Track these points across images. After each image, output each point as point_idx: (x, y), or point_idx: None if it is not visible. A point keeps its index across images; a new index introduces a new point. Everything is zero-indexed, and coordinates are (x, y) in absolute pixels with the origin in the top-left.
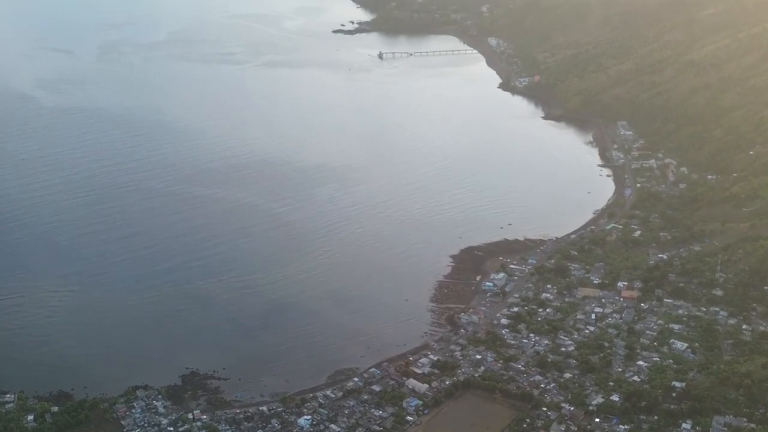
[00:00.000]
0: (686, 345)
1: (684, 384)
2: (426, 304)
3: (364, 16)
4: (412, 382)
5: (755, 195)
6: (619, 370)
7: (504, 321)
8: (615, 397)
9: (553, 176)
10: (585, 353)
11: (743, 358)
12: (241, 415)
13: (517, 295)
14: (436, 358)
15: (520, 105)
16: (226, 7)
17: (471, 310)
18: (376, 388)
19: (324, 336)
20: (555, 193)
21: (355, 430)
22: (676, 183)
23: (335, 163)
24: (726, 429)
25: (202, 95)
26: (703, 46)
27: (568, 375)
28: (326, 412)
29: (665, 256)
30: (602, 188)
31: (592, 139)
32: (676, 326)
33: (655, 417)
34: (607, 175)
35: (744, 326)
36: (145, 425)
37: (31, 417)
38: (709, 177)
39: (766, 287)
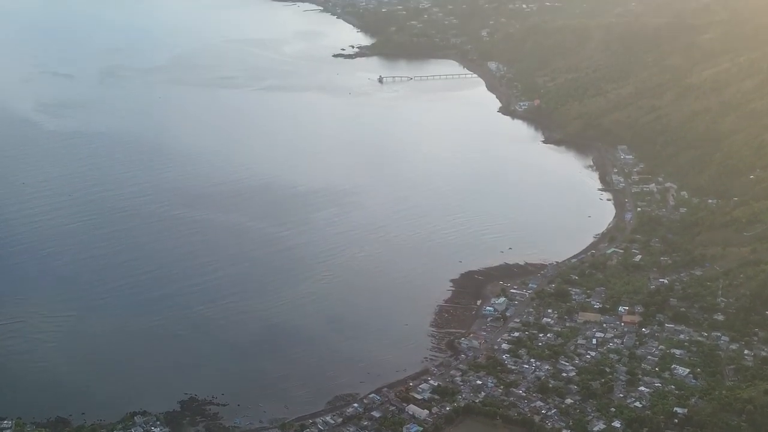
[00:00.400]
0: (688, 370)
1: (686, 410)
2: (426, 329)
3: (364, 40)
4: (412, 408)
5: (756, 219)
6: (621, 395)
7: (505, 346)
8: (617, 423)
9: (554, 200)
10: (586, 379)
11: (745, 383)
12: None
13: (517, 320)
14: (436, 384)
15: (520, 129)
16: (226, 32)
17: (471, 335)
18: (376, 414)
19: (323, 361)
20: (555, 217)
21: None
22: (677, 207)
23: (335, 187)
24: None
25: (202, 119)
26: (702, 71)
27: (569, 401)
28: None
29: (666, 281)
30: (603, 212)
31: (592, 163)
32: (677, 351)
33: None
34: (608, 199)
35: (746, 351)
36: None
37: None
38: (710, 201)
39: (767, 312)
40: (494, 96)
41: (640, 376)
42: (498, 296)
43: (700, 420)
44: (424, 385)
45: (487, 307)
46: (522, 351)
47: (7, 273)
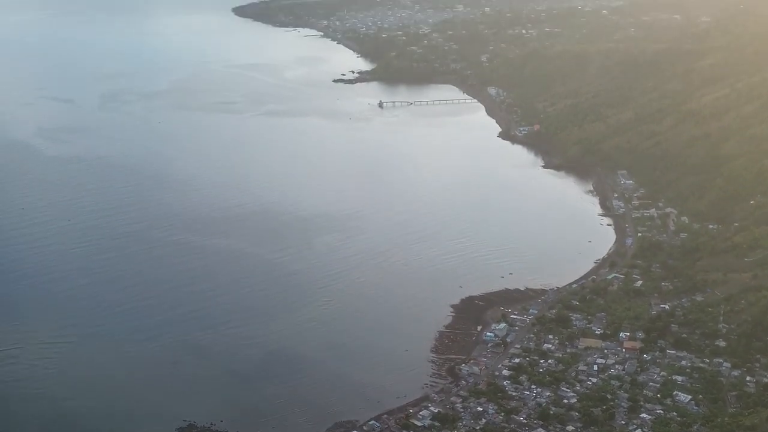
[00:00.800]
0: (690, 397)
1: None
2: (426, 355)
3: (364, 65)
4: None
5: (757, 245)
6: (623, 423)
7: (505, 372)
8: None
9: (554, 225)
10: (587, 405)
11: (747, 410)
12: None
13: (518, 346)
14: (436, 410)
15: (520, 154)
16: (227, 57)
17: (472, 361)
18: None
19: (323, 387)
20: (556, 243)
21: None
22: (677, 232)
23: (336, 211)
24: None
25: (203, 144)
26: (702, 96)
27: (570, 428)
28: None
29: (667, 307)
30: (603, 237)
31: (592, 188)
32: (679, 378)
33: None
34: (608, 225)
35: (748, 378)
36: None
37: None
38: (711, 226)
39: None
40: (494, 121)
41: (641, 403)
42: (498, 322)
43: None
44: (424, 412)
45: (488, 333)
46: (523, 377)
47: (5, 298)
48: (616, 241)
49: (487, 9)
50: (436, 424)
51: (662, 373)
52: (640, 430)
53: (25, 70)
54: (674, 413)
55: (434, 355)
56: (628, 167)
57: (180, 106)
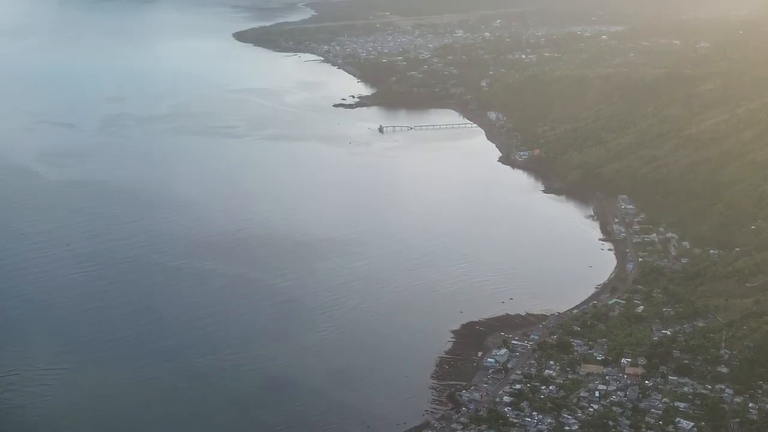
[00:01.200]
0: (692, 424)
1: None
2: (427, 381)
3: (364, 90)
4: None
5: (759, 270)
6: None
7: (506, 398)
8: None
9: (555, 250)
10: None
11: None
12: None
13: (519, 372)
14: None
15: (521, 178)
16: (227, 81)
17: (473, 387)
18: None
19: (323, 414)
20: (556, 268)
21: None
22: (678, 257)
23: (337, 236)
24: None
25: (203, 168)
26: (702, 121)
27: None
28: None
29: (669, 332)
30: (604, 262)
31: (592, 213)
32: (681, 404)
33: None
34: (609, 249)
35: (750, 404)
36: None
37: None
38: (712, 252)
39: None
40: (494, 145)
41: (643, 430)
42: (499, 347)
43: None
44: None
45: (489, 359)
46: (524, 404)
47: (3, 324)
48: (617, 266)
49: (486, 34)
50: None
51: (664, 399)
52: None
53: (26, 95)
54: None
55: (435, 381)
56: (629, 192)
57: (180, 130)
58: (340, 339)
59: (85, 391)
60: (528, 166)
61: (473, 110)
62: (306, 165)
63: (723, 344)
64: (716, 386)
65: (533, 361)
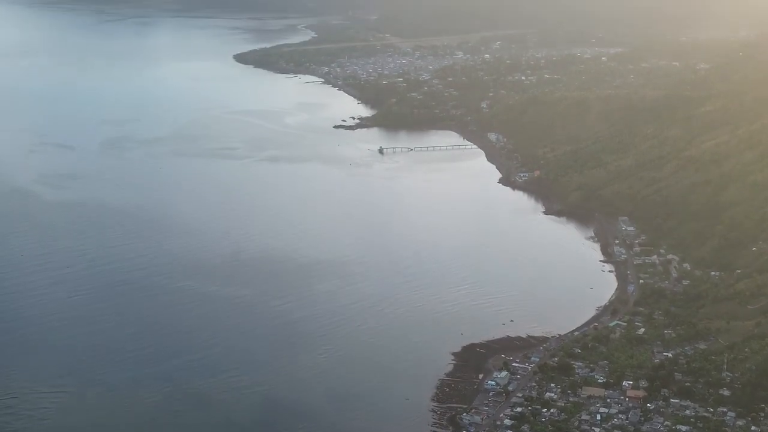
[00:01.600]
0: None
1: None
2: (427, 404)
3: (364, 111)
4: None
5: (760, 292)
6: None
7: (507, 422)
8: None
9: (555, 272)
10: None
11: None
12: None
13: (520, 395)
14: None
15: (521, 200)
16: (228, 103)
17: (473, 410)
18: None
19: None
20: (557, 290)
21: None
22: (680, 279)
23: (337, 258)
24: None
25: (203, 190)
26: (702, 143)
27: None
28: None
29: (670, 355)
30: (604, 284)
31: (593, 235)
32: (683, 427)
33: None
34: (610, 271)
35: (753, 427)
36: None
37: None
38: (713, 273)
39: None
40: (494, 167)
41: None
42: (500, 370)
43: None
44: None
45: (489, 381)
46: (525, 427)
47: (1, 346)
48: (617, 288)
49: (486, 56)
50: None
51: (666, 422)
52: None
53: (28, 116)
54: None
55: (435, 403)
56: (629, 213)
57: (181, 152)
58: (341, 361)
59: (84, 415)
60: (528, 188)
61: (473, 131)
62: (306, 186)
63: (725, 367)
64: (718, 409)
65: (534, 384)
